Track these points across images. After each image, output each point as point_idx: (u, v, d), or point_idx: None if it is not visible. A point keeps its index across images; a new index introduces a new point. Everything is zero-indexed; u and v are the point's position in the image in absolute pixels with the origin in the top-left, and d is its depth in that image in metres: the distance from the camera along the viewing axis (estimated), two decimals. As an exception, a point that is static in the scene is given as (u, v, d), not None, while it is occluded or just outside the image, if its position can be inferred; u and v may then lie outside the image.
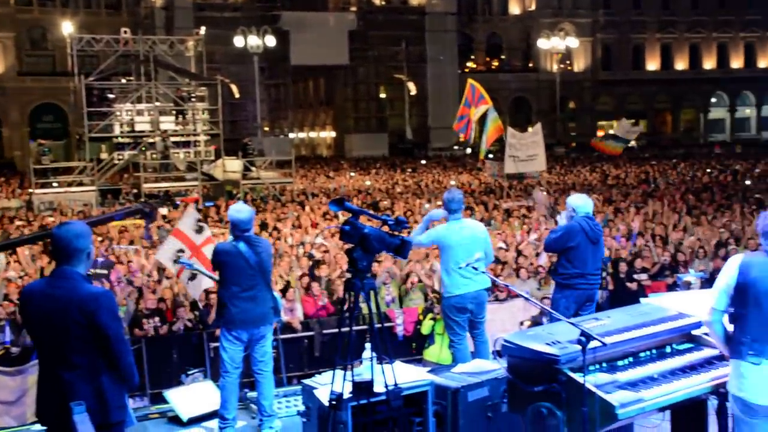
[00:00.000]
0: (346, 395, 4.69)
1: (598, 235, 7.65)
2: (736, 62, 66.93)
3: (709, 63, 66.31)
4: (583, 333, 4.42)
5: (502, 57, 65.07)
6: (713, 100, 67.39)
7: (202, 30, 34.76)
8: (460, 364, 6.23)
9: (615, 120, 65.64)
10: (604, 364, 4.71)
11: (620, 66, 64.19)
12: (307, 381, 5.53)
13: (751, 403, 4.49)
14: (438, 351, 10.19)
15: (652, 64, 65.38)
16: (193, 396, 7.15)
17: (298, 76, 59.47)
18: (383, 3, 57.80)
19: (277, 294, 6.92)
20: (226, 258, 6.45)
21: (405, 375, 5.24)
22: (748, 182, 26.13)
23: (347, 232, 4.48)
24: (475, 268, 5.57)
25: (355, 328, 4.93)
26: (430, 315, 10.36)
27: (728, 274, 4.61)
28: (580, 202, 7.76)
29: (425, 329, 10.40)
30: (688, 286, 7.04)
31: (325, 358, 10.01)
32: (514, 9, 64.17)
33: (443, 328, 10.05)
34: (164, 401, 7.41)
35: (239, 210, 6.51)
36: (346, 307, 4.64)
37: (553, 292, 7.89)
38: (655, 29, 64.70)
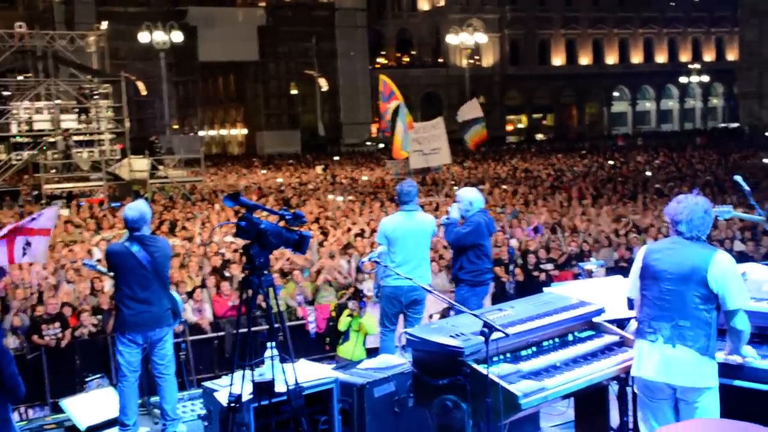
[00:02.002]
0: (247, 396, 4.56)
1: (494, 229, 7.76)
2: (636, 57, 69.32)
3: (611, 58, 68.42)
4: (486, 324, 4.41)
5: (413, 53, 65.53)
6: (616, 94, 69.58)
7: (104, 25, 33.69)
8: (367, 360, 6.17)
9: (524, 114, 67.27)
10: (508, 355, 4.73)
11: (527, 61, 65.53)
12: (207, 383, 5.36)
13: (649, 381, 4.59)
14: (352, 348, 10.10)
15: (558, 60, 67.01)
16: (93, 403, 6.86)
17: (207, 73, 58.49)
18: (292, -2, 57.44)
19: (176, 295, 6.68)
20: (117, 259, 6.20)
21: (309, 373, 5.14)
22: (648, 173, 27.00)
23: (243, 228, 4.35)
24: (377, 262, 5.50)
25: (261, 328, 4.83)
26: (347, 311, 10.25)
27: (636, 263, 4.78)
28: (478, 197, 7.73)
29: (342, 325, 10.29)
30: (589, 274, 7.14)
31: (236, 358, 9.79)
32: (424, 5, 64.70)
33: (359, 325, 10.01)
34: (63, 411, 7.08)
35: (130, 208, 6.27)
36: (245, 305, 4.51)
37: (459, 291, 7.60)
38: (560, 25, 66.33)
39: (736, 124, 59.84)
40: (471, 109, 25.33)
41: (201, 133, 55.70)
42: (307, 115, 59.52)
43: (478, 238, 7.46)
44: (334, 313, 10.83)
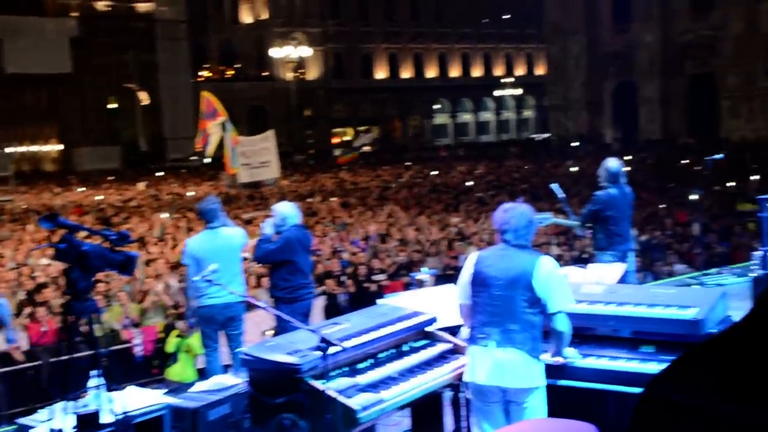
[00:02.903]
0: (69, 431, 4.25)
1: (309, 243, 7.74)
2: (455, 71, 72.15)
3: (431, 72, 70.78)
4: (322, 339, 4.38)
5: (237, 66, 64.68)
6: (437, 106, 72.00)
7: None
8: (199, 382, 5.96)
9: (349, 127, 68.14)
10: (345, 369, 4.70)
11: (351, 74, 66.45)
12: (22, 419, 4.96)
13: (481, 385, 4.71)
14: (181, 369, 9.80)
15: (381, 73, 68.45)
16: None
17: (15, 86, 54.86)
18: (108, 9, 55.06)
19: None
20: None
21: (139, 400, 4.88)
22: (470, 183, 28.10)
23: (63, 251, 4.06)
24: (209, 281, 5.34)
25: (82, 354, 4.55)
26: (175, 332, 9.91)
27: (467, 270, 4.88)
28: (292, 212, 7.65)
29: (170, 347, 9.94)
30: (421, 283, 7.29)
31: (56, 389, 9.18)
32: (246, 18, 64.07)
33: (188, 346, 9.70)
34: None
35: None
36: (65, 332, 4.22)
37: (278, 310, 7.37)
38: (382, 39, 67.82)
39: (546, 135, 63.51)
40: (366, 139, 28.92)
41: (9, 150, 52.21)
42: (127, 130, 57.24)
43: (288, 255, 7.39)
44: (162, 335, 10.44)
